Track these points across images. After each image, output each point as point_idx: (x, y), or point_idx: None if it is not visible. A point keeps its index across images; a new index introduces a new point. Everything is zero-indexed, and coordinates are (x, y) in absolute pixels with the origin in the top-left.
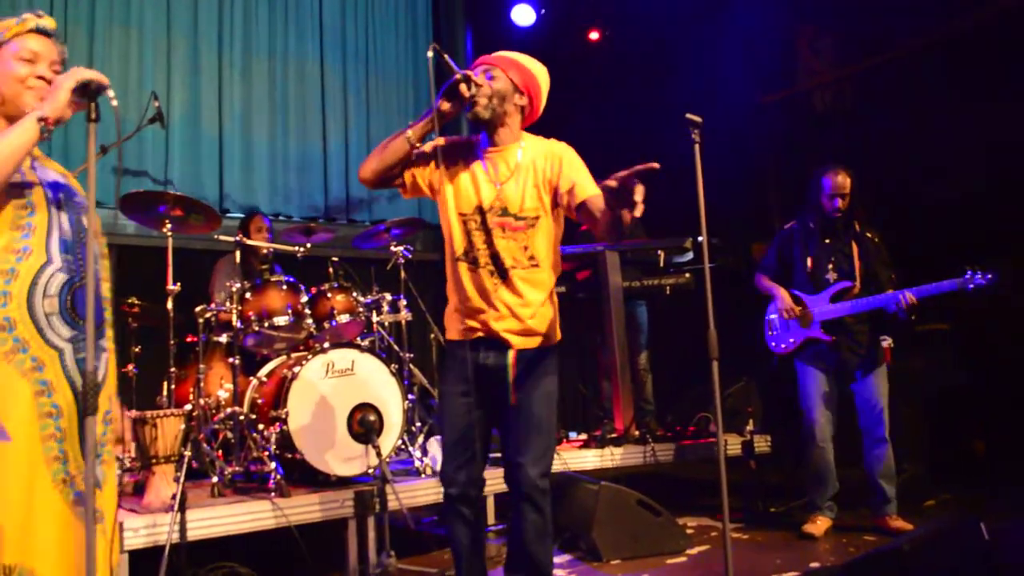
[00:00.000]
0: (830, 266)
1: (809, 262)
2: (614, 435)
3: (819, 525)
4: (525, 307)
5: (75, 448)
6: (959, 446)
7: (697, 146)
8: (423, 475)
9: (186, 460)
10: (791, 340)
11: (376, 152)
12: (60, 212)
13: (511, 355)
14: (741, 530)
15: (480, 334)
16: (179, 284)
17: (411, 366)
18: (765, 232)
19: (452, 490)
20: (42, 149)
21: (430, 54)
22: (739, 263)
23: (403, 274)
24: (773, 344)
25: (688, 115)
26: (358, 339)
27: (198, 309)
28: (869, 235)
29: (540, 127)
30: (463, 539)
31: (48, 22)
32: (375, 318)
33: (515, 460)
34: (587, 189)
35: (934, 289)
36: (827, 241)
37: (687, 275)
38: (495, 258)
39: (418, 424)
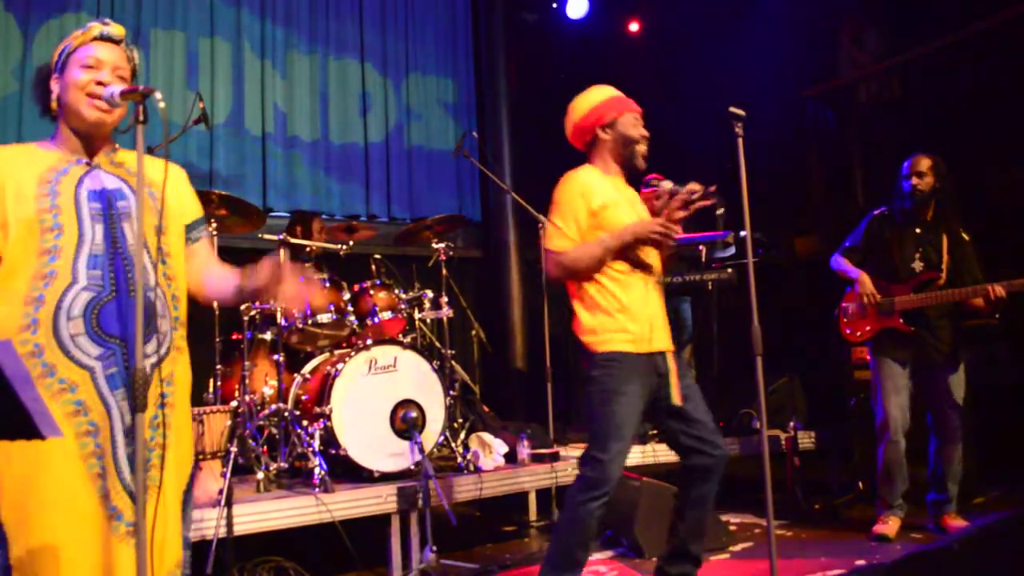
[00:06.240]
0: (917, 255)
1: (896, 250)
2: (655, 431)
3: (891, 525)
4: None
5: (111, 464)
6: (1009, 443)
7: (740, 140)
8: (465, 471)
9: (232, 456)
10: (867, 328)
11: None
12: (96, 225)
13: (671, 358)
14: (785, 527)
15: (655, 341)
16: None
17: (452, 362)
18: (808, 226)
19: (613, 478)
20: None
21: None
22: (782, 258)
23: (444, 271)
24: (848, 331)
25: (732, 108)
26: (400, 336)
27: (243, 307)
28: (961, 232)
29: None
30: (595, 527)
31: (115, 29)
32: (417, 315)
33: (713, 441)
34: None
35: None
36: (918, 231)
37: (729, 270)
38: (653, 268)
39: (460, 420)
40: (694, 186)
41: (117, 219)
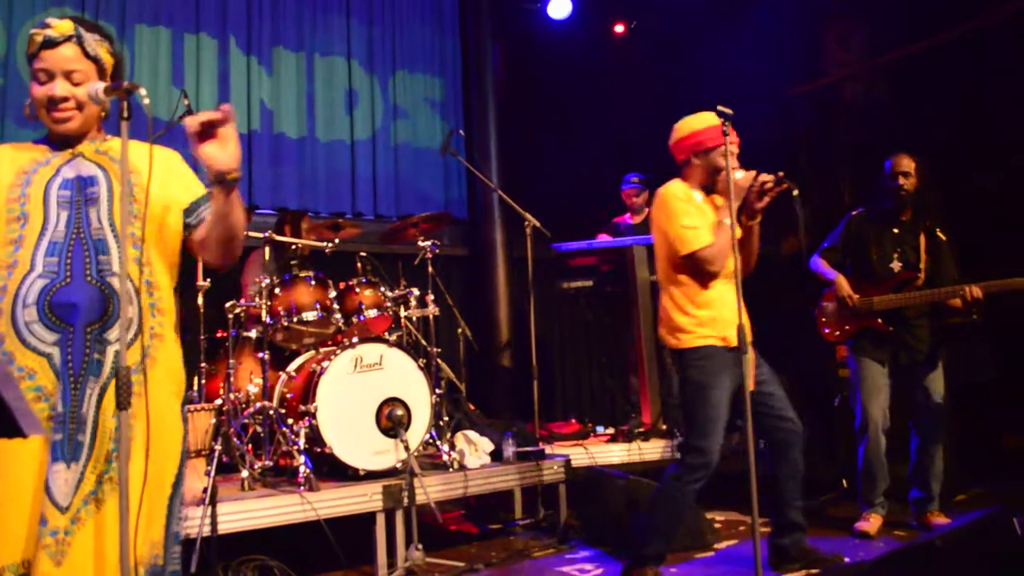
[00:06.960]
0: (895, 255)
1: (874, 250)
2: (641, 429)
3: (872, 523)
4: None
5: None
6: (989, 440)
7: (727, 138)
8: (451, 469)
9: (216, 454)
10: (846, 328)
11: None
12: (62, 212)
13: (752, 353)
14: (769, 524)
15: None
16: (209, 280)
17: (439, 360)
18: (794, 226)
19: (714, 461)
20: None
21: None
22: (768, 256)
23: (430, 269)
24: (827, 330)
25: (720, 107)
26: (386, 334)
27: (228, 305)
28: (938, 232)
29: (568, 122)
30: (692, 502)
31: (55, 31)
32: (403, 313)
33: (787, 415)
34: None
35: (1004, 286)
36: (895, 231)
37: None
38: (738, 273)
39: (445, 418)
40: (765, 177)
41: (84, 205)
